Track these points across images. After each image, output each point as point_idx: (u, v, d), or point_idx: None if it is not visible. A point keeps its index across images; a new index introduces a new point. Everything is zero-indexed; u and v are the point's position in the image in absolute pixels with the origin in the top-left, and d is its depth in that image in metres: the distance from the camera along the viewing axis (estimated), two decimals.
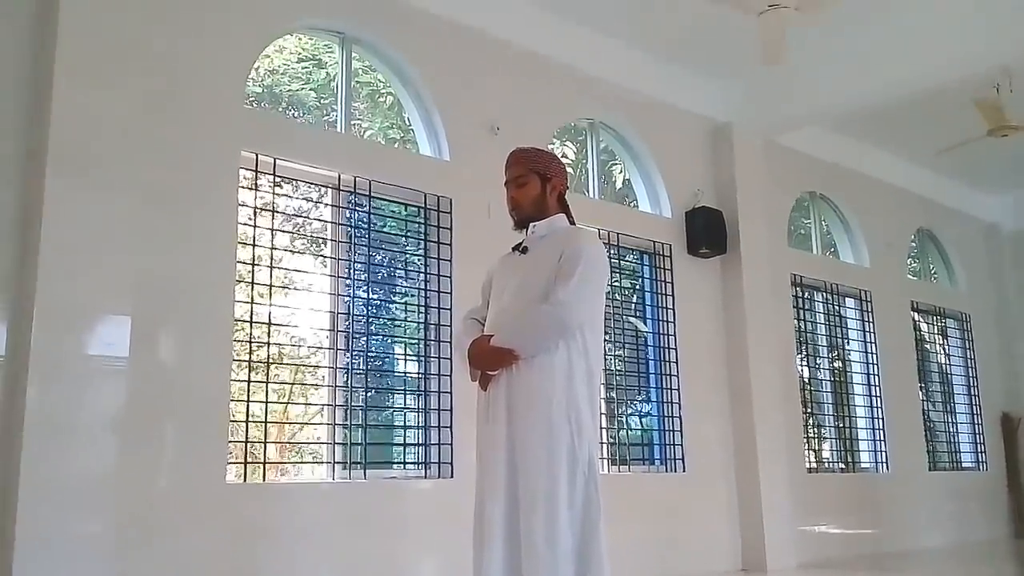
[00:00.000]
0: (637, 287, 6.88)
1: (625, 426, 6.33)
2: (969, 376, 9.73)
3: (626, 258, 6.74)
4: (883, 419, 8.34)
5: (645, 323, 6.79)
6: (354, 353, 5.08)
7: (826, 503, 7.52)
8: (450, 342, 5.36)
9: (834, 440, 7.99)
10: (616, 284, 6.57)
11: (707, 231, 6.87)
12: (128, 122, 4.23)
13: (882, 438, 8.30)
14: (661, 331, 6.69)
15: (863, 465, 8.17)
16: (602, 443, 5.99)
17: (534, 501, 2.85)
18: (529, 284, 3.08)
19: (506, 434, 2.96)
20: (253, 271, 4.71)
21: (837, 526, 7.56)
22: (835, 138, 8.14)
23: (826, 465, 7.86)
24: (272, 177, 4.87)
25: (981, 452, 9.58)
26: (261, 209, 4.78)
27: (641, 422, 6.58)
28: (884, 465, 8.26)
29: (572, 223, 3.32)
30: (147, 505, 4.09)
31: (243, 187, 4.71)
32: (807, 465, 7.48)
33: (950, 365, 9.67)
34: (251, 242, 4.70)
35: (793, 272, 7.81)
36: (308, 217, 5.40)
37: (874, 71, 6.52)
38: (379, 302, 5.48)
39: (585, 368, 3.01)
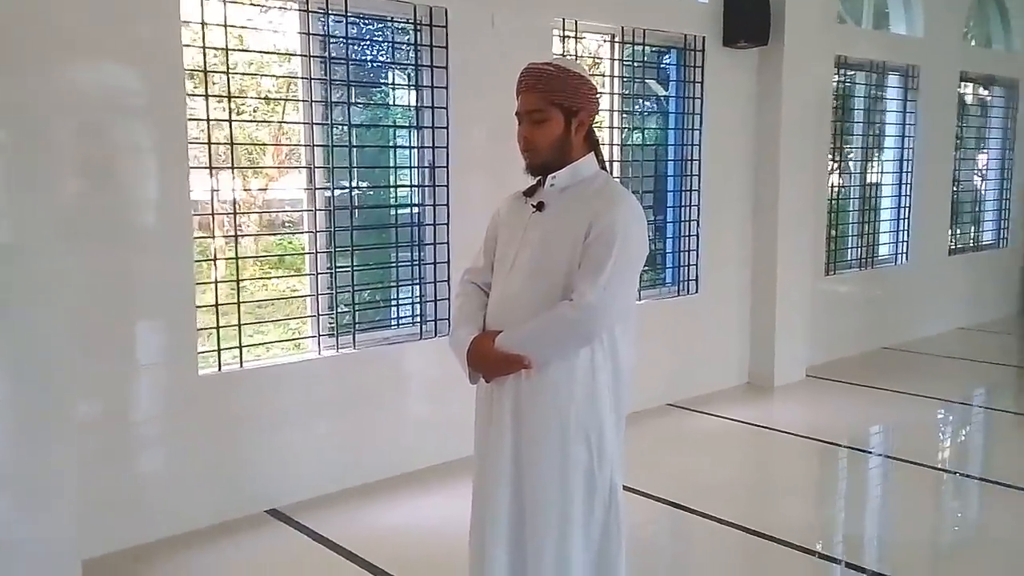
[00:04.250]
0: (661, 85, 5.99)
1: None
2: (1005, 148, 9.04)
3: (650, 60, 5.79)
4: (910, 208, 7.80)
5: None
6: (337, 207, 4.39)
7: (840, 303, 7.20)
8: (447, 186, 4.67)
9: (855, 238, 7.48)
10: (636, 79, 5.68)
11: (748, 19, 5.83)
12: None
13: (905, 228, 7.82)
14: (684, 141, 5.92)
15: (881, 258, 7.75)
16: None
17: (543, 530, 2.40)
18: (547, 257, 2.38)
19: (511, 446, 2.43)
20: (209, 137, 3.89)
21: (849, 325, 7.29)
22: None
23: (847, 263, 7.42)
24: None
25: (1004, 228, 9.16)
26: (216, 49, 3.87)
27: (654, 243, 6.01)
28: (903, 256, 7.86)
29: (602, 166, 2.55)
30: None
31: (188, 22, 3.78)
32: (824, 268, 7.04)
33: (989, 137, 8.93)
34: (203, 91, 3.86)
35: (838, 54, 6.83)
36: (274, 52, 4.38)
37: None
38: (364, 145, 4.66)
39: (611, 372, 2.42)
